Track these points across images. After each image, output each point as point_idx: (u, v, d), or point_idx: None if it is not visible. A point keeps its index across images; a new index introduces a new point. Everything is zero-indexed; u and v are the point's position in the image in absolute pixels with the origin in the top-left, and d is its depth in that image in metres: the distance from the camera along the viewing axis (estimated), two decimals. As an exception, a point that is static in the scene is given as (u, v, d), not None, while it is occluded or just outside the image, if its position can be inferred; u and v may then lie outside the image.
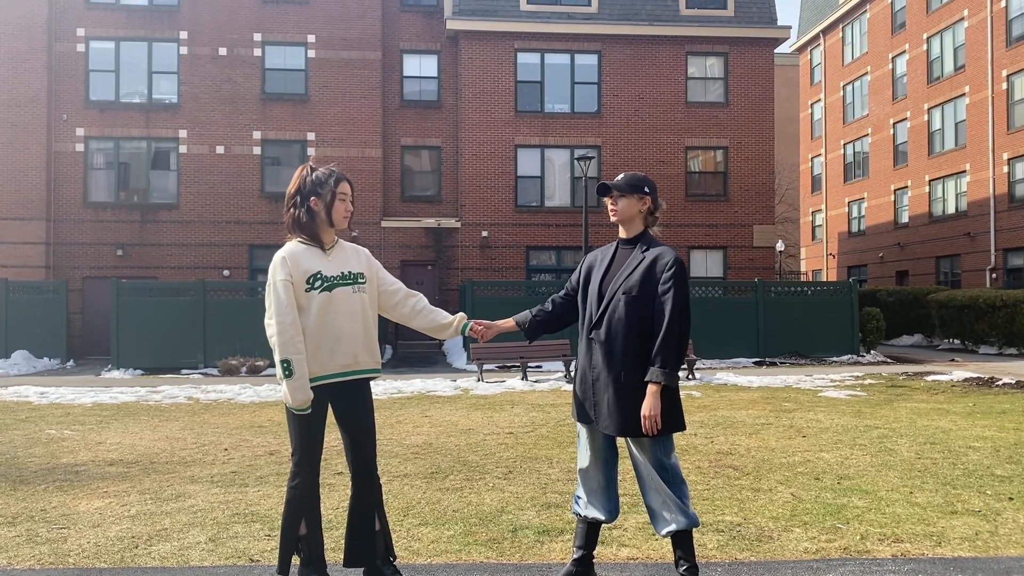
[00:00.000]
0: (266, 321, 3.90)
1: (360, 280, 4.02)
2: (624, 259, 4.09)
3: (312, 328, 3.85)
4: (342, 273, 3.95)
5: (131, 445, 8.79)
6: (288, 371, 3.75)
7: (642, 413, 3.84)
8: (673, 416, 3.94)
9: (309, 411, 3.84)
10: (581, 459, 4.17)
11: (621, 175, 4.23)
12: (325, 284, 3.88)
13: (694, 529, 4.07)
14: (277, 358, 3.78)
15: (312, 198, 3.95)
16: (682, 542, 3.99)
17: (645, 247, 4.08)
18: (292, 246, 3.97)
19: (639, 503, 5.79)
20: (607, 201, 4.22)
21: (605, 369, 3.99)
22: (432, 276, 25.61)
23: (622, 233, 4.15)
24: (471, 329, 4.21)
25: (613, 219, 4.16)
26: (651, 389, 3.85)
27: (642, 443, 3.96)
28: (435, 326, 4.21)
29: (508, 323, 4.26)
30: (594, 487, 4.11)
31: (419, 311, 4.18)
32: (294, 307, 3.82)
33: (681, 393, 13.12)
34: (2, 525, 5.41)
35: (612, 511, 4.11)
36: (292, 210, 3.98)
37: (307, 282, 3.87)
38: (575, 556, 4.15)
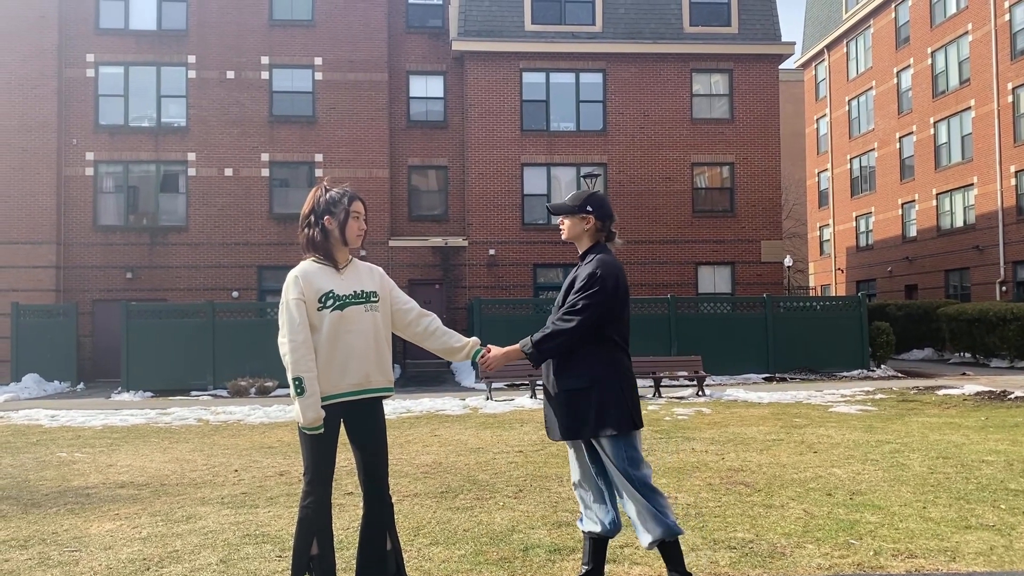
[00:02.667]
0: (279, 339, 3.93)
1: (373, 299, 4.04)
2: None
3: (324, 347, 3.87)
4: (354, 292, 3.98)
5: (142, 467, 8.80)
6: (300, 389, 3.77)
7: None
8: (604, 416, 3.98)
9: (321, 430, 3.84)
10: (572, 473, 4.30)
11: (569, 195, 4.39)
12: (337, 303, 3.91)
13: (685, 539, 4.11)
14: (289, 376, 3.82)
15: (326, 217, 3.99)
16: (668, 554, 4.02)
17: (585, 263, 4.23)
18: (306, 265, 4.00)
19: (650, 520, 5.78)
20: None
21: (547, 381, 4.19)
22: (440, 294, 25.65)
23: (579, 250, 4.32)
24: (481, 357, 4.22)
25: (563, 238, 4.36)
26: (511, 348, 4.13)
27: (603, 445, 4.04)
28: (447, 348, 4.22)
29: (515, 350, 4.26)
30: (589, 499, 4.19)
31: (432, 332, 4.20)
32: (306, 326, 3.85)
33: (691, 410, 12.94)
34: (14, 548, 5.42)
35: (611, 523, 4.14)
36: (306, 230, 4.02)
37: (319, 301, 3.90)
38: (581, 572, 4.19)
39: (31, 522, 6.20)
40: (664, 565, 4.68)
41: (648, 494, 3.99)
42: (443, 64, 26.59)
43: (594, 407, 3.98)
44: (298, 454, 9.41)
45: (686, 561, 4.79)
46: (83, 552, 5.30)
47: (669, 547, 4.00)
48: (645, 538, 4.01)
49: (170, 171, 25.39)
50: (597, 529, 4.12)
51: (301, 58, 25.59)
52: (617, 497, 4.13)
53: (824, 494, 6.63)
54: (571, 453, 4.25)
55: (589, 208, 4.24)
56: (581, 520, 4.22)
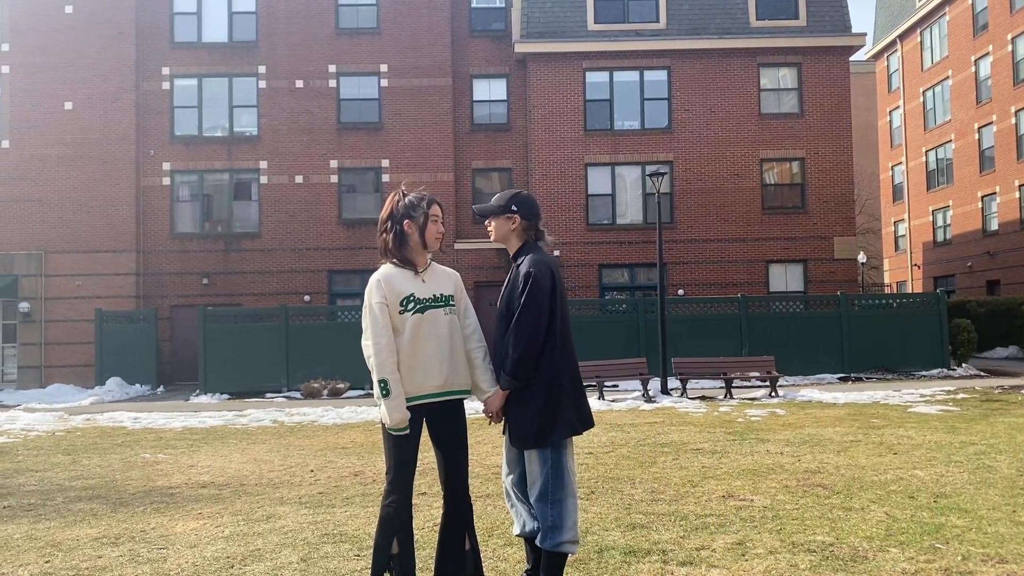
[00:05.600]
0: (363, 342, 4.01)
1: (451, 303, 4.11)
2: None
3: (406, 349, 3.95)
4: (434, 295, 4.04)
5: (221, 468, 9.05)
6: (385, 390, 3.85)
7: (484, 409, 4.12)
8: (540, 430, 3.96)
9: (407, 431, 3.91)
10: (510, 475, 4.33)
11: (495, 196, 4.36)
12: (418, 306, 3.98)
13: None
14: (375, 378, 3.90)
15: (405, 221, 4.07)
16: (546, 561, 3.99)
17: (518, 264, 4.17)
18: (386, 269, 4.08)
19: (726, 523, 5.71)
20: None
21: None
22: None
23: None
24: (485, 412, 4.19)
25: (492, 239, 4.34)
26: (496, 392, 4.08)
27: (528, 455, 4.06)
28: (473, 384, 4.17)
29: (503, 394, 4.11)
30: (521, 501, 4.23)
31: (470, 360, 4.16)
32: (390, 328, 3.92)
33: (764, 411, 12.74)
34: (106, 545, 5.63)
35: (525, 524, 4.16)
36: (385, 234, 4.10)
37: (401, 304, 3.97)
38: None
39: (120, 520, 6.43)
40: (747, 569, 4.62)
41: (558, 503, 3.99)
42: (506, 67, 26.68)
43: (536, 416, 3.98)
44: (372, 455, 9.57)
45: (765, 564, 4.73)
46: (170, 550, 5.47)
47: (547, 555, 4.01)
48: (521, 529, 4.15)
49: (242, 179, 26.04)
50: (528, 528, 4.14)
51: (367, 65, 25.98)
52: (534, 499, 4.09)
53: (906, 497, 6.45)
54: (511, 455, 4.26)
55: (514, 208, 4.22)
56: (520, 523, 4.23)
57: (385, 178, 25.64)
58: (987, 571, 4.52)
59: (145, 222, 25.50)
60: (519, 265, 4.15)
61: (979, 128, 34.88)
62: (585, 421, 4.13)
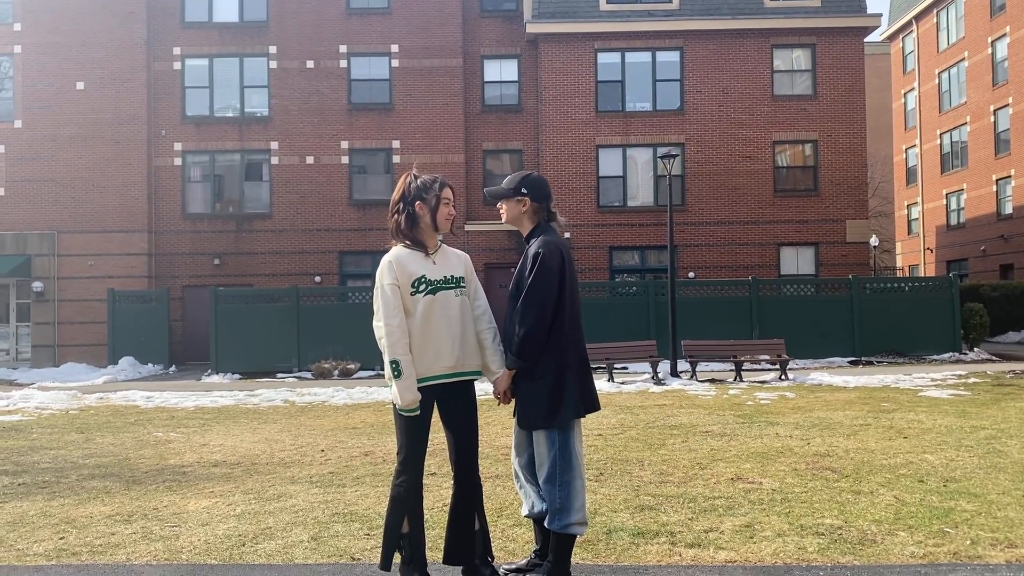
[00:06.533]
0: (375, 323, 4.04)
1: (462, 284, 4.14)
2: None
3: (418, 330, 3.97)
4: (445, 277, 4.06)
5: (233, 447, 9.12)
6: (397, 371, 3.88)
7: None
8: (548, 411, 3.97)
9: (418, 412, 3.94)
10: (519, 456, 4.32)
11: (505, 178, 4.35)
12: (429, 287, 4.00)
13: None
14: (386, 359, 3.92)
15: (417, 203, 4.08)
16: (554, 542, 3.99)
17: (529, 246, 4.18)
18: (398, 250, 4.09)
19: (734, 506, 5.72)
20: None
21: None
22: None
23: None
24: (495, 391, 4.20)
25: (503, 222, 4.34)
26: (504, 373, 4.10)
27: (536, 437, 4.07)
28: (483, 365, 4.19)
29: (510, 373, 4.13)
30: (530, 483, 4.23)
31: (480, 342, 4.17)
32: (401, 310, 3.94)
33: (773, 394, 12.72)
34: (119, 522, 5.69)
35: (534, 505, 4.17)
36: (397, 215, 4.11)
37: (412, 285, 3.99)
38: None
39: (133, 498, 6.50)
40: (755, 552, 4.64)
41: (566, 486, 4.00)
42: (517, 47, 26.54)
43: (542, 396, 4.00)
44: (382, 435, 9.62)
45: (773, 547, 4.74)
46: (183, 528, 5.53)
47: (556, 537, 4.02)
48: (529, 510, 4.17)
49: (254, 160, 26.06)
50: (536, 510, 4.15)
51: (378, 46, 25.89)
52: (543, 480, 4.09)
53: (916, 481, 6.44)
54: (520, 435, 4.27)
55: (524, 190, 4.23)
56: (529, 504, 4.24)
57: (396, 159, 25.61)
58: (996, 555, 4.52)
59: (157, 202, 25.57)
60: (530, 246, 4.16)
61: (995, 111, 34.52)
62: (591, 404, 4.14)
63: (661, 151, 19.86)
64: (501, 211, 4.32)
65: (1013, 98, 33.16)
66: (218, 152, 25.93)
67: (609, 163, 26.02)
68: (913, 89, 41.49)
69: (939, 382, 14.81)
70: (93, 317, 24.30)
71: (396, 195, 4.14)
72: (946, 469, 6.88)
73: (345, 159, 25.80)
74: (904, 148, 43.25)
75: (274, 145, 25.77)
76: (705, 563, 4.50)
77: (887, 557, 4.54)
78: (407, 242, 4.09)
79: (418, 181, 4.12)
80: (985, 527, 5.07)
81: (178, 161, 25.75)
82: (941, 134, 39.06)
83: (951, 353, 20.90)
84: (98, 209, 24.91)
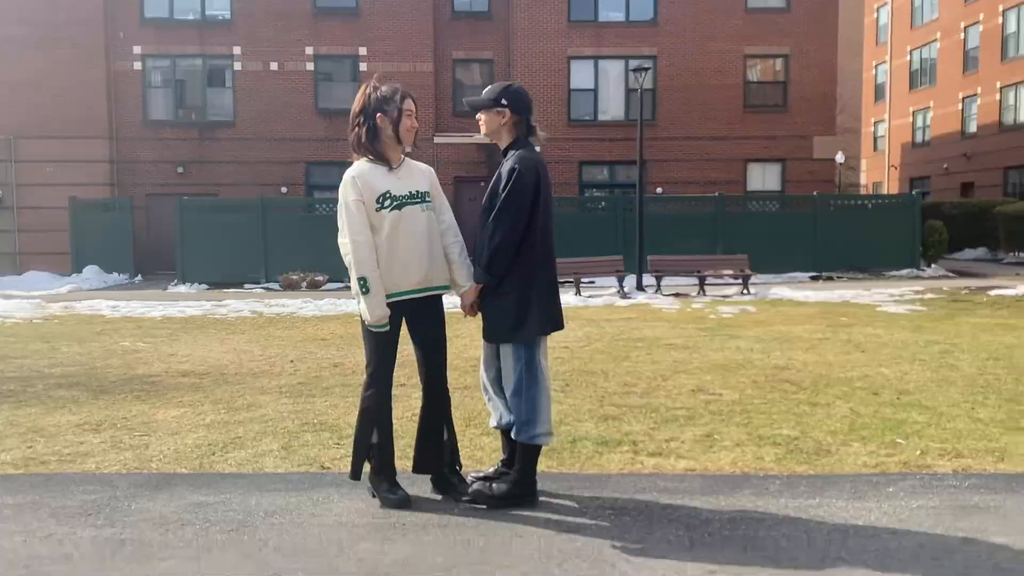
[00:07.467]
0: (340, 240, 3.99)
1: (427, 199, 4.08)
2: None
3: (384, 247, 3.94)
4: (410, 192, 4.01)
5: (201, 357, 9.14)
6: (365, 288, 3.87)
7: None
8: (512, 326, 4.00)
9: (387, 327, 3.95)
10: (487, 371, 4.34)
11: (486, 89, 4.25)
12: (395, 203, 3.95)
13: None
14: (353, 276, 3.89)
15: (378, 115, 3.97)
16: (521, 452, 4.07)
17: (505, 160, 4.12)
18: (360, 165, 4.01)
19: (695, 416, 5.89)
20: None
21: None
22: (484, 192, 25.55)
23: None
24: (462, 304, 4.19)
25: (482, 134, 4.25)
26: (471, 286, 4.09)
27: (503, 351, 4.09)
28: (451, 279, 4.17)
29: (477, 287, 4.12)
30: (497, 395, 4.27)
31: (447, 255, 4.14)
32: (367, 226, 3.90)
33: (735, 308, 12.91)
34: (88, 432, 5.73)
35: (502, 417, 4.22)
36: (357, 129, 4.01)
37: (377, 201, 3.93)
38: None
39: (101, 407, 6.52)
40: (714, 460, 4.79)
41: (532, 399, 4.05)
42: (488, -49, 25.71)
43: (511, 311, 4.01)
44: (351, 347, 9.68)
45: (731, 456, 4.91)
46: (152, 437, 5.58)
47: (522, 447, 4.09)
48: (497, 422, 4.21)
49: (216, 65, 25.28)
50: (504, 421, 4.20)
51: (343, -54, 24.92)
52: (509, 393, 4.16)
53: (871, 393, 6.66)
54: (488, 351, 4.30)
55: (504, 101, 4.12)
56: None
57: (363, 67, 24.97)
58: (944, 465, 4.73)
59: (118, 108, 24.82)
60: (506, 161, 4.11)
61: (965, 28, 34.39)
62: (556, 323, 4.17)
63: (633, 64, 19.68)
64: (480, 122, 4.23)
65: (984, 15, 33.01)
66: (179, 56, 25.10)
67: (581, 76, 25.64)
68: (886, 3, 41.09)
69: (897, 298, 15.15)
70: (55, 225, 23.76)
71: (356, 107, 4.02)
72: (900, 382, 7.12)
73: (310, 65, 25.12)
74: (874, 64, 43.11)
75: (236, 50, 24.98)
76: (666, 471, 4.65)
77: (841, 467, 4.73)
78: (369, 156, 4.01)
79: (379, 92, 4.00)
80: (935, 438, 5.28)
81: (138, 65, 24.90)
82: (911, 51, 38.92)
83: (910, 269, 21.33)
84: (58, 114, 24.08)
